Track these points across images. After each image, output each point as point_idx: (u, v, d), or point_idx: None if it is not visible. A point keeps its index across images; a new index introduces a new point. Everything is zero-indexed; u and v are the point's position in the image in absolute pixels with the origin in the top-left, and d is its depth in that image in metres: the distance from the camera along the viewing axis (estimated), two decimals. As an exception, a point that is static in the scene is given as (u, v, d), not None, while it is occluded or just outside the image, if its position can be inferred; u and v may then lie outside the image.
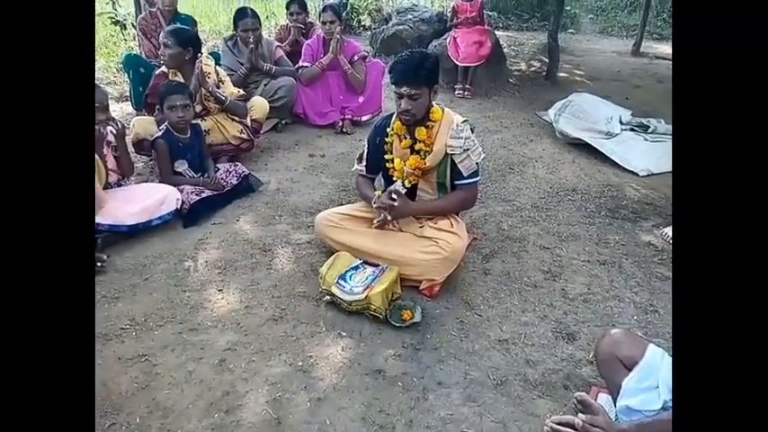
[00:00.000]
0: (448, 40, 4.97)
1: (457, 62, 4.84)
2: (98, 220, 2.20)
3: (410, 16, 5.85)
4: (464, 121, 2.12)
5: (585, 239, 2.53)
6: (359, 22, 7.83)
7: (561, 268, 2.30)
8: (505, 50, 5.93)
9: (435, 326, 1.94)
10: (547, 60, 5.55)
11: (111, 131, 2.31)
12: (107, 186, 2.33)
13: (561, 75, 5.54)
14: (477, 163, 2.14)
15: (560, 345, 1.85)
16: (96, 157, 2.23)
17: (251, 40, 3.49)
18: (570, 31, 8.26)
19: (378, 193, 2.17)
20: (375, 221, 2.14)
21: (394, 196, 2.09)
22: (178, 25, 3.07)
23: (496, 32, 6.37)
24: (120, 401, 1.58)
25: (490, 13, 8.23)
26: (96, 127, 2.26)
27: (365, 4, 8.17)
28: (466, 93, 4.88)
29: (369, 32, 7.04)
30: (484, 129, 4.11)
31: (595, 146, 3.52)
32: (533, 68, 5.88)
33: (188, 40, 2.85)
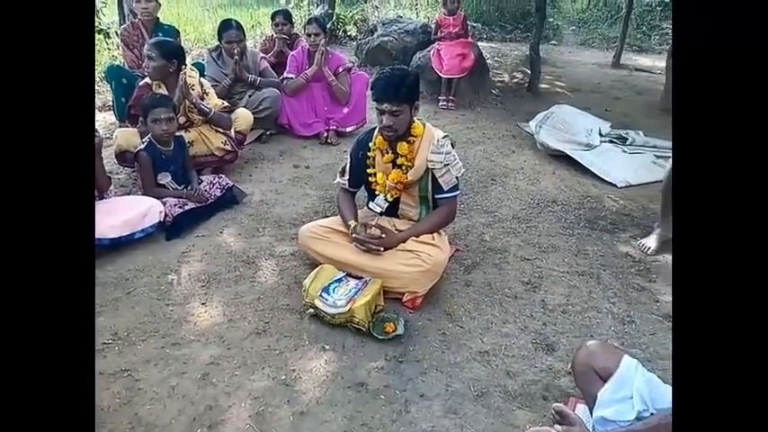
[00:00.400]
0: (432, 52, 5.04)
1: (440, 74, 4.90)
2: (80, 233, 2.19)
3: (395, 28, 5.91)
4: (445, 137, 2.17)
5: (565, 250, 2.59)
6: (344, 32, 7.87)
7: (541, 279, 2.35)
8: (489, 62, 6.02)
9: (418, 338, 1.96)
10: (529, 72, 5.65)
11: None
12: (89, 199, 2.32)
13: (543, 86, 5.64)
14: (456, 177, 2.18)
15: (540, 356, 1.89)
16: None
17: (235, 51, 3.51)
18: (552, 42, 8.41)
19: (353, 223, 2.19)
20: (353, 244, 2.17)
21: (378, 232, 2.13)
22: (161, 37, 3.07)
23: (480, 43, 6.48)
24: (103, 417, 1.57)
25: (474, 25, 8.36)
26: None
27: (351, 14, 8.24)
28: (449, 104, 4.95)
29: (354, 43, 7.09)
30: (467, 140, 4.17)
31: (575, 157, 3.60)
32: (516, 80, 5.98)
33: (172, 52, 2.87)
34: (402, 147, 2.12)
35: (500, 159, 3.77)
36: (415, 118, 2.14)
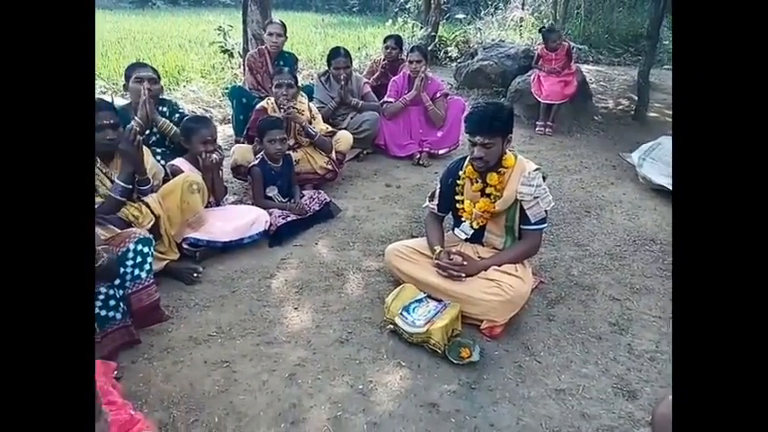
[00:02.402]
0: (532, 77, 4.99)
1: (540, 99, 4.84)
2: (198, 235, 2.52)
3: (496, 52, 5.94)
4: (536, 169, 2.18)
5: (659, 294, 2.45)
6: (445, 53, 8.02)
7: (630, 322, 2.25)
8: (593, 86, 5.82)
9: (493, 367, 1.99)
10: (636, 98, 5.37)
11: (215, 159, 2.64)
12: (207, 205, 2.65)
13: (651, 114, 5.33)
14: (545, 210, 2.18)
15: (619, 401, 1.83)
16: (202, 179, 2.55)
17: (342, 76, 3.79)
18: (666, 67, 7.88)
19: (438, 248, 2.27)
20: (437, 269, 2.24)
21: (460, 259, 2.20)
22: (284, 67, 3.43)
23: (585, 66, 6.30)
24: (203, 401, 1.79)
25: (580, 47, 8.09)
26: (206, 155, 2.61)
27: (453, 36, 8.37)
28: (547, 129, 4.86)
29: (454, 65, 7.20)
30: (563, 168, 4.07)
31: (681, 194, 3.37)
32: (621, 106, 5.71)
33: (296, 80, 3.34)
34: (492, 177, 2.17)
35: (596, 190, 3.64)
36: (507, 149, 2.18)
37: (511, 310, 2.11)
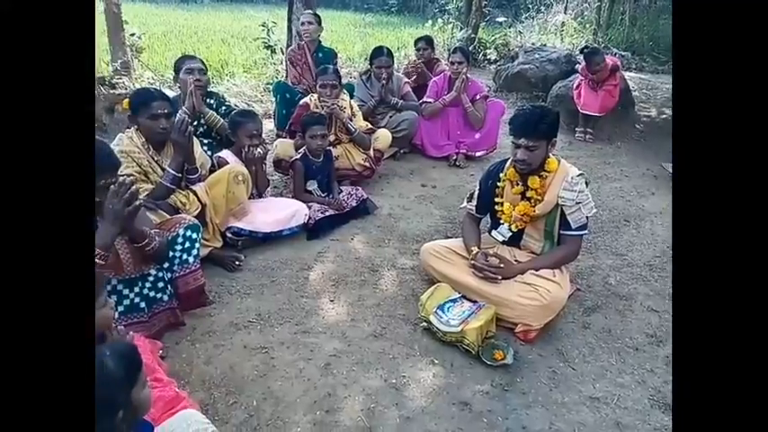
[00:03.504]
0: (574, 84, 4.91)
1: (579, 108, 4.76)
2: (241, 225, 2.60)
3: (537, 56, 5.87)
4: (579, 175, 2.16)
5: (701, 308, 2.39)
6: (485, 56, 7.98)
7: (668, 334, 2.21)
8: (635, 94, 5.69)
9: (526, 371, 1.98)
10: (682, 108, 5.22)
11: (259, 152, 2.72)
12: (250, 197, 2.73)
13: (697, 125, 5.17)
14: (587, 216, 2.16)
15: (655, 413, 1.80)
16: (247, 171, 2.63)
17: (383, 75, 3.83)
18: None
19: (475, 249, 2.27)
20: (473, 270, 2.24)
21: (496, 261, 2.19)
22: (323, 61, 3.48)
23: (628, 74, 6.15)
24: (242, 385, 1.85)
25: (623, 54, 7.91)
26: (250, 148, 2.69)
27: (493, 38, 8.31)
28: (587, 137, 4.78)
29: (493, 67, 7.15)
30: (602, 176, 4.01)
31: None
32: (665, 116, 5.55)
33: (340, 79, 3.42)
34: (533, 181, 2.17)
35: (637, 200, 3.57)
36: (550, 154, 2.17)
37: (547, 315, 2.10)
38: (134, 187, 1.65)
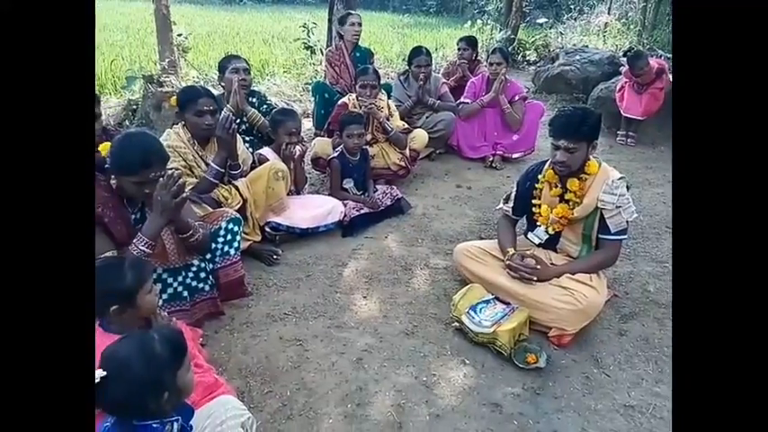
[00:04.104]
0: (617, 86, 4.79)
1: (621, 111, 4.64)
2: (279, 220, 2.68)
3: (578, 57, 5.76)
4: (620, 178, 2.12)
5: (747, 320, 2.29)
6: (524, 57, 7.87)
7: (711, 346, 2.13)
8: (682, 98, 5.49)
9: (559, 375, 1.96)
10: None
11: (298, 150, 2.79)
12: (289, 193, 2.81)
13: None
14: (627, 221, 2.12)
15: (695, 426, 1.75)
16: (286, 168, 2.71)
17: (422, 75, 3.84)
18: None
19: (511, 250, 2.25)
20: (506, 270, 2.23)
21: (533, 262, 2.17)
22: (370, 67, 3.52)
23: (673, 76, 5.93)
24: (277, 374, 1.91)
25: (669, 56, 7.64)
26: (288, 146, 2.76)
27: (533, 39, 8.20)
28: (629, 140, 4.66)
29: (532, 68, 7.05)
30: (644, 180, 3.90)
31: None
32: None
33: (379, 79, 3.44)
34: (573, 183, 2.13)
35: (680, 207, 3.45)
36: (591, 156, 2.14)
37: (582, 320, 2.07)
38: (181, 180, 1.73)
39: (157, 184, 1.73)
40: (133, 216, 1.87)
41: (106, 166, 1.78)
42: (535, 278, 2.15)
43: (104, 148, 1.78)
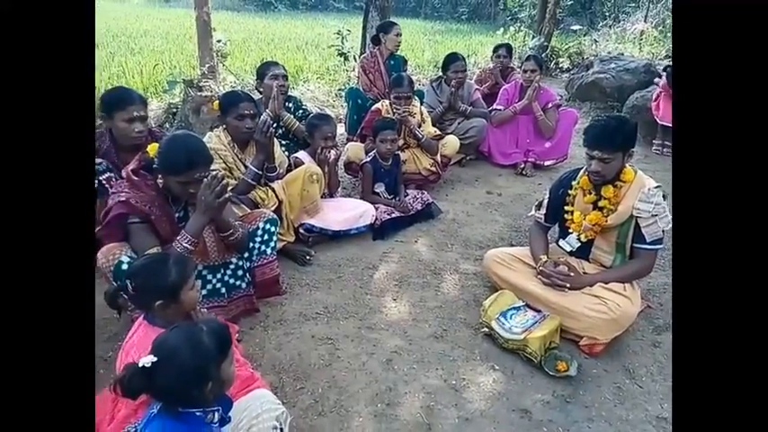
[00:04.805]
0: (653, 94, 4.70)
1: (657, 120, 4.56)
2: (313, 222, 2.74)
3: (614, 65, 5.67)
4: (657, 187, 2.09)
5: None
6: (557, 64, 7.80)
7: (749, 361, 2.07)
8: (722, 107, 5.34)
9: (590, 384, 1.95)
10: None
11: (334, 154, 2.86)
12: (322, 196, 2.87)
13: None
14: (663, 230, 2.09)
15: (732, 442, 1.71)
16: (320, 170, 2.77)
17: (455, 82, 3.87)
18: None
19: (544, 257, 2.24)
20: (538, 276, 2.23)
21: (566, 269, 2.16)
22: (405, 76, 3.54)
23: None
24: (309, 371, 1.96)
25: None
26: (323, 150, 2.83)
27: (566, 47, 8.11)
28: (664, 150, 4.56)
29: (565, 76, 6.98)
30: (680, 191, 3.81)
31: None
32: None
33: (413, 87, 3.44)
34: (607, 190, 2.12)
35: (718, 219, 3.36)
36: (627, 164, 2.12)
37: (615, 329, 2.05)
38: (225, 181, 1.81)
39: (202, 184, 1.81)
40: (177, 214, 1.96)
41: (154, 166, 1.88)
42: (568, 285, 2.14)
43: (153, 148, 1.87)
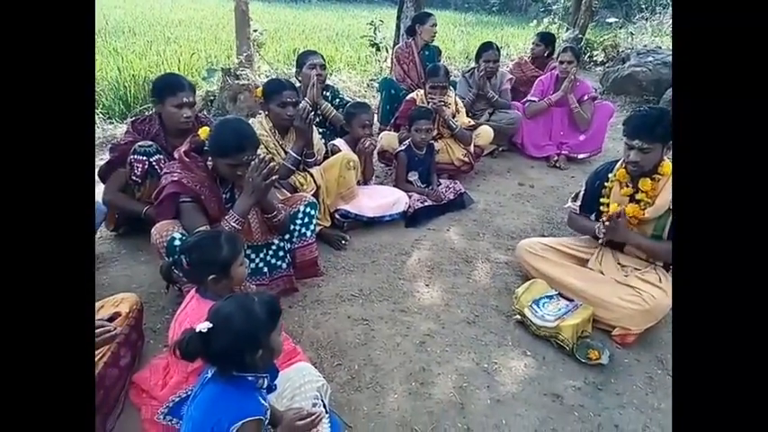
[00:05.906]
0: (692, 87, 4.60)
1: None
2: (349, 208, 2.82)
3: (651, 58, 5.56)
4: (696, 180, 2.08)
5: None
6: (591, 57, 7.66)
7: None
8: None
9: (621, 373, 1.97)
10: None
11: (372, 144, 2.92)
12: (357, 183, 2.94)
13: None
14: (702, 224, 2.08)
15: (766, 434, 1.71)
16: (357, 158, 2.84)
17: (485, 69, 3.87)
18: None
19: (600, 224, 2.22)
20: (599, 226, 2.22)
21: (625, 222, 2.15)
22: (441, 66, 3.56)
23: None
24: (346, 349, 2.04)
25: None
26: (362, 140, 2.90)
27: (601, 40, 7.96)
28: (702, 145, 4.47)
29: (599, 69, 6.86)
30: (717, 187, 3.74)
31: None
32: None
33: (449, 78, 3.48)
34: (645, 183, 2.12)
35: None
36: (665, 157, 2.11)
37: (648, 320, 2.06)
38: (272, 164, 1.89)
39: (249, 166, 1.89)
40: (224, 195, 2.05)
41: (205, 148, 1.97)
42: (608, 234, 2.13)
43: (204, 132, 1.96)
